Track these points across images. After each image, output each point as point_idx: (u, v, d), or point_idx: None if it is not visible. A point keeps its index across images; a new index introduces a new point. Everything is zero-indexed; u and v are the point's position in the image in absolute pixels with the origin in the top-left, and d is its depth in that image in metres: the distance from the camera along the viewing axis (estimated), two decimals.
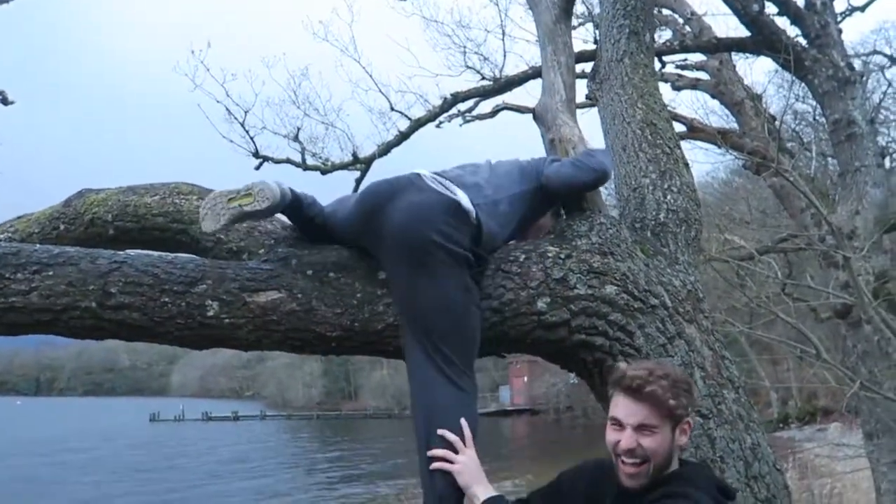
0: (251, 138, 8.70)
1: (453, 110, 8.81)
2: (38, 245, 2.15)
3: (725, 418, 2.12)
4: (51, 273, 1.99)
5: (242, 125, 8.65)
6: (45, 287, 1.97)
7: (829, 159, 10.14)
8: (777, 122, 8.03)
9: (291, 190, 2.16)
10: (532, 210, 2.30)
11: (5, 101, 5.85)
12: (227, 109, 8.69)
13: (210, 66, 8.89)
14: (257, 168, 8.73)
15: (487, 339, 2.14)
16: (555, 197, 2.35)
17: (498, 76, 8.79)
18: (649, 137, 2.72)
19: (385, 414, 56.39)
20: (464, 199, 2.07)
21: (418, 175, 2.14)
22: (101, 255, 2.08)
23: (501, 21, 9.30)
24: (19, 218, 2.70)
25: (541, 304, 2.12)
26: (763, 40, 6.40)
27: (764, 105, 9.10)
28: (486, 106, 9.27)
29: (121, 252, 2.17)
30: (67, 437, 40.60)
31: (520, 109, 8.90)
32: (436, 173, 2.17)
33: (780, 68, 7.46)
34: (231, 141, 8.76)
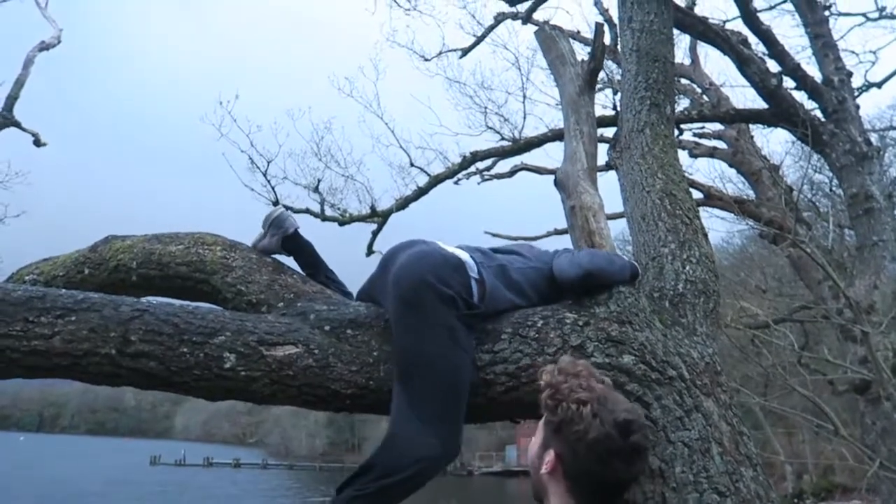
0: (272, 188, 8.89)
1: (472, 168, 8.96)
2: (63, 290, 2.18)
3: (743, 497, 2.06)
4: (73, 318, 2.02)
5: (265, 174, 8.86)
6: (68, 332, 1.99)
7: (847, 230, 10.12)
8: (794, 193, 8.06)
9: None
10: (546, 288, 2.31)
11: (38, 143, 6.01)
12: (250, 159, 8.91)
13: (237, 116, 9.16)
14: None
15: (503, 403, 2.13)
16: (563, 286, 2.34)
17: (517, 137, 8.96)
18: (668, 207, 2.74)
19: None
20: (464, 255, 2.18)
21: (432, 241, 2.27)
22: (124, 303, 2.11)
23: (522, 84, 9.57)
24: (45, 260, 2.74)
25: None
26: (781, 113, 6.50)
27: (781, 174, 9.16)
28: (505, 165, 9.41)
29: (143, 300, 2.20)
30: (69, 478, 40.07)
31: (538, 171, 9.02)
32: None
33: (797, 140, 7.54)
34: (252, 189, 8.94)
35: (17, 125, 5.67)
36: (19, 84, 5.70)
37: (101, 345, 2.00)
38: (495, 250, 2.37)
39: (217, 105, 9.33)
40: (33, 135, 6.08)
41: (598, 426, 1.42)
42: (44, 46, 5.95)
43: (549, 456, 1.47)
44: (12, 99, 5.58)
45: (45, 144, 6.03)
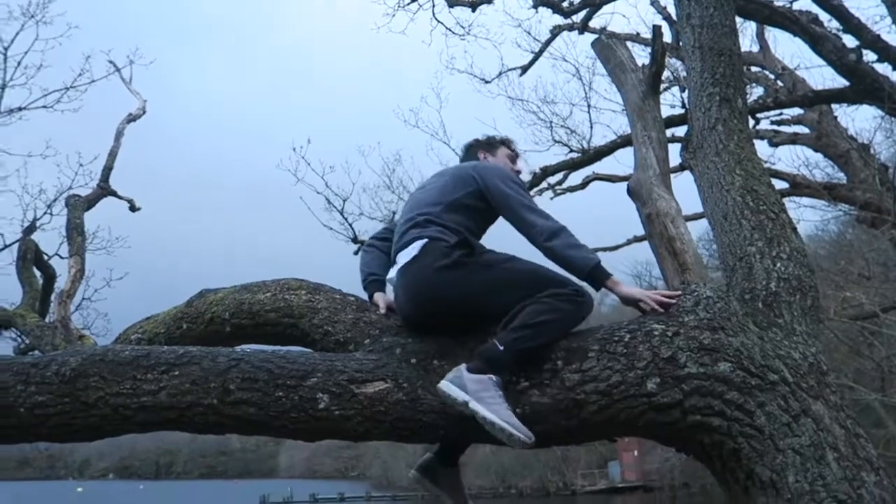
0: (350, 225, 9.12)
1: (543, 184, 8.91)
2: (165, 346, 2.31)
3: None
4: (177, 373, 2.13)
5: (341, 213, 9.11)
6: (172, 386, 2.10)
7: None
8: (890, 171, 7.57)
9: None
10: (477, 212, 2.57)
11: (133, 208, 6.41)
12: (326, 199, 9.19)
13: (310, 160, 9.49)
14: (356, 253, 9.09)
15: (596, 423, 2.08)
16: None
17: (586, 148, 8.85)
18: (751, 204, 2.63)
19: (490, 493, 54.75)
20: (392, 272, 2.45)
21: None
22: (221, 354, 2.20)
23: (586, 94, 9.45)
24: (147, 319, 2.91)
25: (650, 385, 2.05)
26: (864, 89, 6.16)
27: (872, 152, 8.63)
28: (576, 177, 9.30)
29: (238, 349, 2.30)
30: None
31: (611, 179, 8.87)
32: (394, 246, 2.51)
33: (885, 114, 7.11)
34: (331, 228, 9.21)
35: (114, 194, 6.07)
36: (112, 155, 6.11)
37: (204, 396, 2.10)
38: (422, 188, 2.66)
39: (291, 151, 9.70)
40: (128, 201, 6.48)
41: None
42: (131, 118, 6.37)
43: None
44: (107, 170, 5.99)
45: (139, 209, 6.43)
